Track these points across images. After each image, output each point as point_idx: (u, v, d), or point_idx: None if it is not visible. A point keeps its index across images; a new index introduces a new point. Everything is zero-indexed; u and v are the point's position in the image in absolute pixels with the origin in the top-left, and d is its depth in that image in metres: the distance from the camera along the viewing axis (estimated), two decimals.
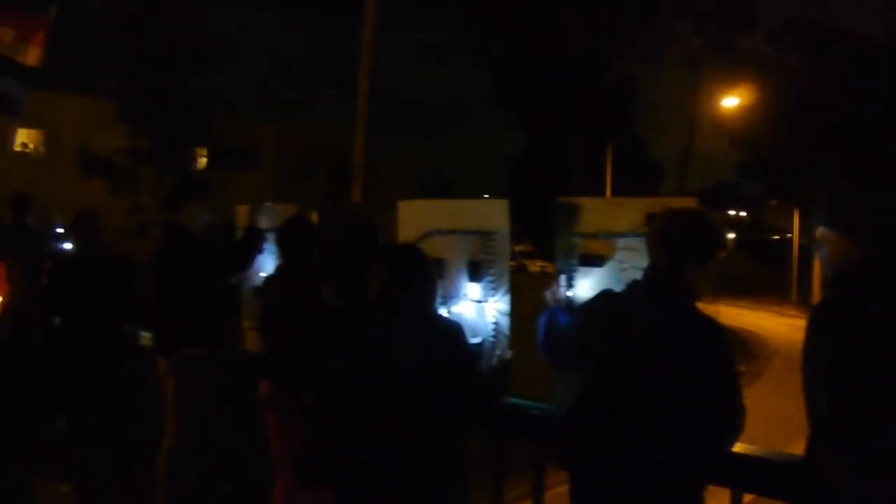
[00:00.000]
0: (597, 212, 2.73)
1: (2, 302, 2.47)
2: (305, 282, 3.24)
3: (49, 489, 4.51)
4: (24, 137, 30.25)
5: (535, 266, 31.66)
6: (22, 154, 29.19)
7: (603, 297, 2.38)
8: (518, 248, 34.03)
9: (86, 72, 26.80)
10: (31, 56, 5.95)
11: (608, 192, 26.91)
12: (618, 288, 2.44)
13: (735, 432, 2.17)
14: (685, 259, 2.19)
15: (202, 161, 29.37)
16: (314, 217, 3.69)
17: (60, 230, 6.65)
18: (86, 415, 4.57)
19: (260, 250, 3.90)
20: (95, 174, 25.33)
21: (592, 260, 2.71)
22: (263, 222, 4.01)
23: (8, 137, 28.71)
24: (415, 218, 3.20)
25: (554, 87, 30.28)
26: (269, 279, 3.49)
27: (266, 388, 3.30)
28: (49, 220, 7.00)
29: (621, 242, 2.64)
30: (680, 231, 2.21)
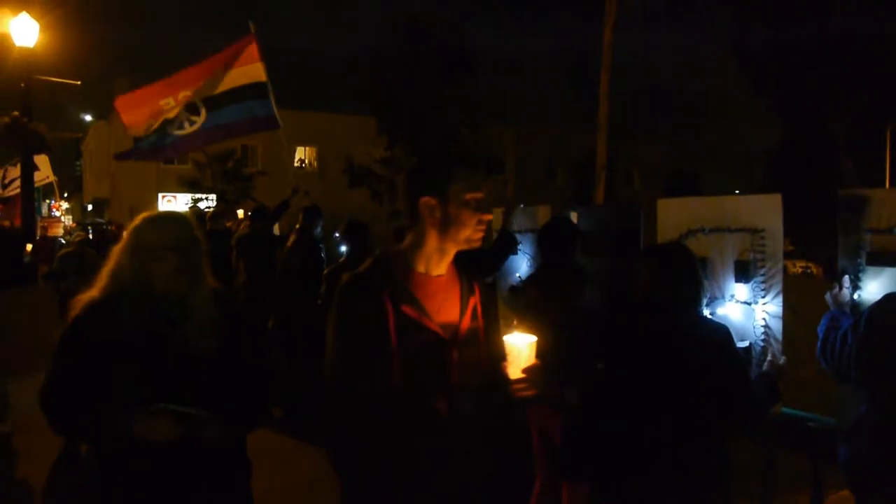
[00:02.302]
0: (892, 203, 2.44)
1: None
2: (566, 281, 3.30)
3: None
4: (301, 155, 34.50)
5: (795, 267, 28.80)
6: (300, 169, 33.17)
7: (891, 302, 2.11)
8: None
9: (349, 94, 29.73)
10: (257, 71, 6.65)
11: (887, 186, 23.54)
12: None
13: None
14: None
15: None
16: (574, 217, 3.73)
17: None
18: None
19: (513, 252, 4.01)
20: (360, 184, 28.02)
21: (884, 258, 2.44)
22: (515, 224, 4.14)
23: (290, 157, 32.96)
24: (675, 216, 3.12)
25: (820, 67, 27.20)
26: (529, 279, 3.60)
27: None
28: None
29: None
30: None
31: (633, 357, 2.62)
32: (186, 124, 6.87)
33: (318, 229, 6.13)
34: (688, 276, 2.56)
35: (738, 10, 28.23)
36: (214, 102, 6.78)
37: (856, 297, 2.51)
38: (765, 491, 3.00)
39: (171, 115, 6.77)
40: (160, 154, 7.07)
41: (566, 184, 32.69)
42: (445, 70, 27.07)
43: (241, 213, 8.34)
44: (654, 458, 2.51)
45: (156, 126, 6.77)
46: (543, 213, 3.86)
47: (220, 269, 6.60)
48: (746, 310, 2.84)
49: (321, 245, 6.23)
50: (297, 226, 6.10)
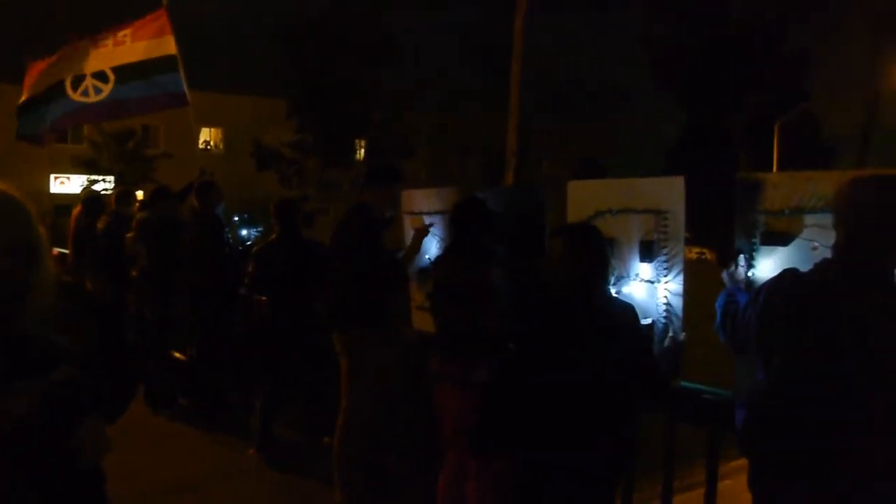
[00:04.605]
0: (783, 187, 2.58)
1: None
2: (475, 261, 3.31)
3: (238, 451, 4.94)
4: (206, 136, 33.27)
5: (692, 253, 30.29)
6: (205, 151, 31.99)
7: (787, 277, 2.23)
8: None
9: (259, 74, 28.93)
10: (167, 45, 6.42)
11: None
12: (804, 268, 2.30)
13: None
14: (883, 232, 2.01)
15: (361, 152, 30.75)
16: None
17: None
18: (281, 386, 4.96)
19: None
20: (268, 167, 27.35)
21: (776, 238, 2.58)
22: (421, 206, 4.14)
23: (194, 137, 31.68)
24: (585, 198, 3.19)
25: (718, 64, 28.67)
26: (438, 259, 3.60)
27: (436, 363, 3.41)
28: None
29: (810, 219, 2.49)
30: (878, 200, 2.02)
31: (542, 336, 2.67)
32: (92, 91, 6.54)
33: (220, 208, 5.85)
34: (595, 256, 2.62)
35: (645, 5, 29.25)
36: (123, 73, 6.49)
37: (750, 274, 2.64)
38: (666, 461, 3.13)
39: (67, 80, 6.48)
40: (62, 122, 6.75)
41: (478, 169, 33.00)
42: (361, 54, 26.75)
43: (139, 194, 7.87)
44: (565, 435, 2.57)
45: (41, 90, 6.47)
46: (451, 195, 3.86)
47: (118, 255, 6.31)
48: (650, 288, 2.94)
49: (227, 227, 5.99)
50: (199, 208, 5.78)
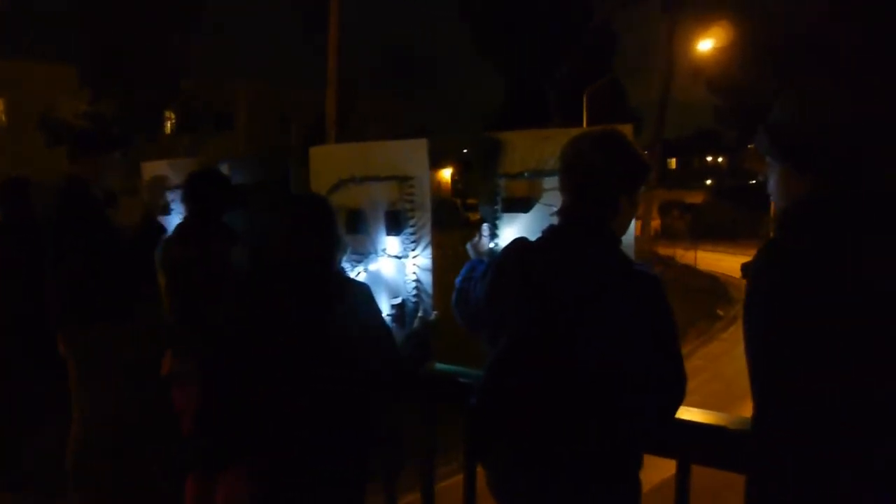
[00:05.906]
0: (521, 148, 2.37)
1: None
2: (209, 238, 2.90)
3: None
4: None
5: None
6: None
7: (514, 247, 2.03)
8: None
9: (47, 36, 25.99)
10: None
11: None
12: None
13: (675, 401, 1.85)
14: (604, 193, 1.85)
15: (170, 125, 28.60)
16: (226, 170, 3.30)
17: None
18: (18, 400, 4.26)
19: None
20: (61, 143, 24.58)
21: (516, 204, 2.37)
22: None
23: None
24: (329, 165, 2.84)
25: (532, 34, 29.87)
26: (170, 239, 3.13)
27: (171, 359, 2.97)
28: None
29: (548, 182, 2.30)
30: (595, 158, 1.86)
31: (268, 322, 2.30)
32: None
33: None
34: (322, 230, 2.29)
35: None
36: None
37: (493, 245, 2.43)
38: (425, 449, 2.91)
39: None
40: None
41: (300, 140, 31.94)
42: (165, 16, 24.62)
43: None
44: (296, 436, 2.24)
45: None
46: (190, 167, 3.38)
47: None
48: (398, 264, 2.66)
49: None
50: None
